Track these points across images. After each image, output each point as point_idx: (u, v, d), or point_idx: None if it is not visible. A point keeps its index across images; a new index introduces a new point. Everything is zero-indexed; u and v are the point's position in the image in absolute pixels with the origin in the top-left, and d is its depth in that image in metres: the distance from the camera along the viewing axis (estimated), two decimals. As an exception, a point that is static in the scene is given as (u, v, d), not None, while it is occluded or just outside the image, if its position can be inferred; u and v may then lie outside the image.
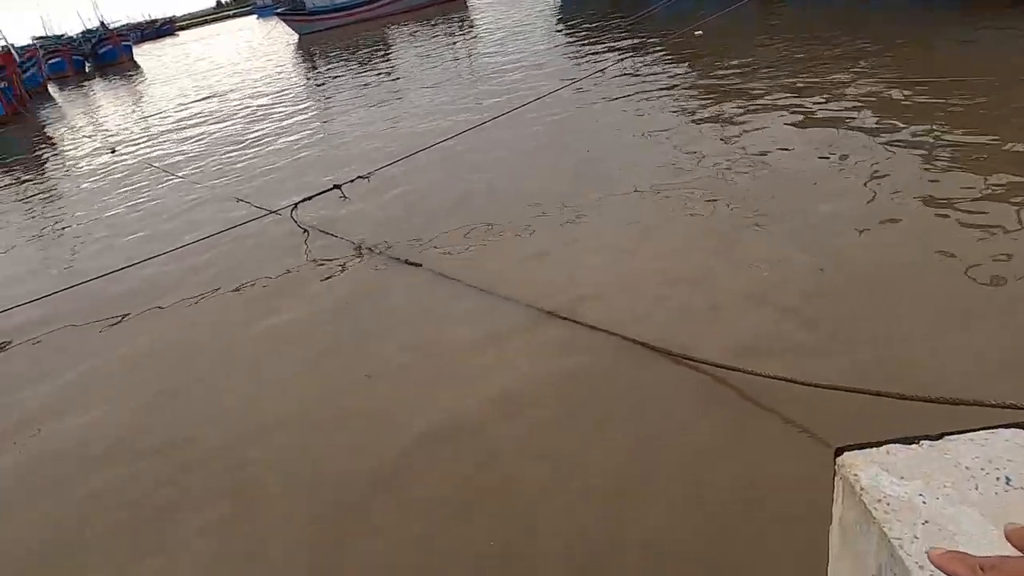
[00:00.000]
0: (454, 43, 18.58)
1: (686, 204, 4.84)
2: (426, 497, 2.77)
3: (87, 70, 42.57)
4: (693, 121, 6.78)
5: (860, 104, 6.14)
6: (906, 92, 6.21)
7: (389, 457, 3.01)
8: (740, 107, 6.85)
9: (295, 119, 11.81)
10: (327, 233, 5.75)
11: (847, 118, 5.83)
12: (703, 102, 7.41)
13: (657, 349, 3.27)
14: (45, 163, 13.86)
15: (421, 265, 4.75)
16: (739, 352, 3.11)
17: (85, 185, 10.47)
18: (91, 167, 11.84)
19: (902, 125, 5.41)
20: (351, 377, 3.71)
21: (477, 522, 2.61)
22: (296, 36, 33.88)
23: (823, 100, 6.48)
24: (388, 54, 18.95)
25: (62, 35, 48.01)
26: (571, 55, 12.29)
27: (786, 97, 6.83)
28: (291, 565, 2.59)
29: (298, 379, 3.82)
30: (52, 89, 33.63)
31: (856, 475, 0.82)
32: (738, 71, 8.37)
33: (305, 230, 5.87)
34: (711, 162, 5.47)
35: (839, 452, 0.87)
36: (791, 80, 7.46)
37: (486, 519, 2.61)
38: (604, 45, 12.25)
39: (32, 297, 5.54)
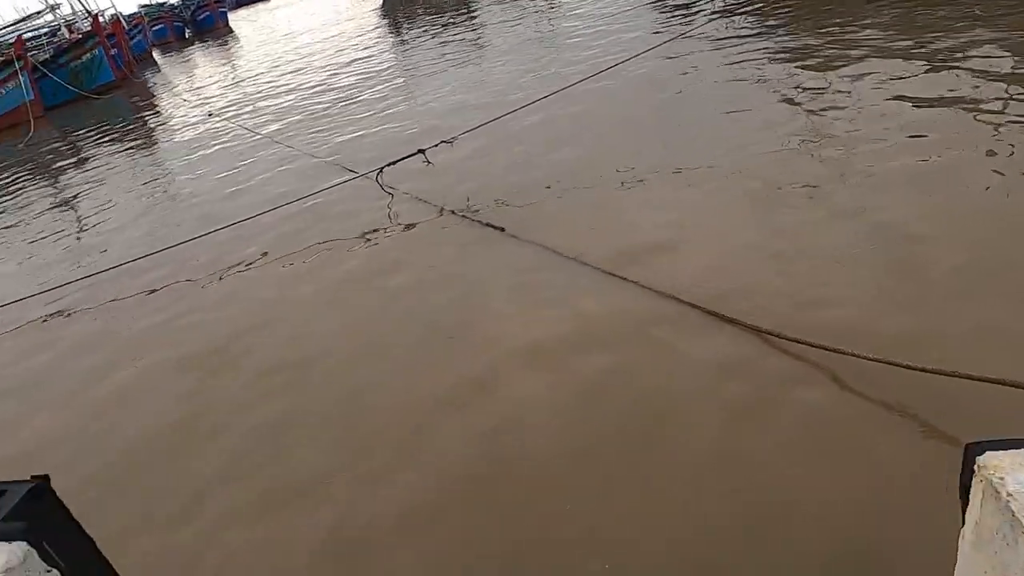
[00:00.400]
0: (536, 3, 18.32)
1: (761, 176, 4.71)
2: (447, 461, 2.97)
3: (187, 36, 44.70)
4: (781, 91, 6.47)
5: (971, 77, 5.65)
6: (1019, 59, 5.70)
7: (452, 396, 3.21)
8: (836, 76, 6.49)
9: (380, 83, 12.06)
10: (411, 196, 5.95)
11: (954, 94, 5.36)
12: (796, 70, 7.05)
13: (718, 315, 3.29)
14: (151, 126, 14.82)
15: (504, 229, 4.87)
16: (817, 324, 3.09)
17: (185, 148, 11.16)
18: (191, 130, 12.58)
19: (1019, 99, 4.98)
20: (430, 336, 3.91)
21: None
22: (380, -1, 34.23)
23: (929, 71, 6.00)
24: (471, 16, 18.90)
25: (164, 2, 50.36)
26: (658, 16, 11.90)
27: (888, 66, 6.38)
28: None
29: (378, 335, 4.07)
30: (156, 55, 35.61)
31: (1002, 478, 0.74)
32: (838, 35, 7.90)
33: (390, 193, 6.09)
34: (797, 140, 5.22)
35: (974, 449, 0.79)
36: (895, 46, 6.97)
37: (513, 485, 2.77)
38: (695, 4, 11.80)
39: (146, 252, 6.09)
